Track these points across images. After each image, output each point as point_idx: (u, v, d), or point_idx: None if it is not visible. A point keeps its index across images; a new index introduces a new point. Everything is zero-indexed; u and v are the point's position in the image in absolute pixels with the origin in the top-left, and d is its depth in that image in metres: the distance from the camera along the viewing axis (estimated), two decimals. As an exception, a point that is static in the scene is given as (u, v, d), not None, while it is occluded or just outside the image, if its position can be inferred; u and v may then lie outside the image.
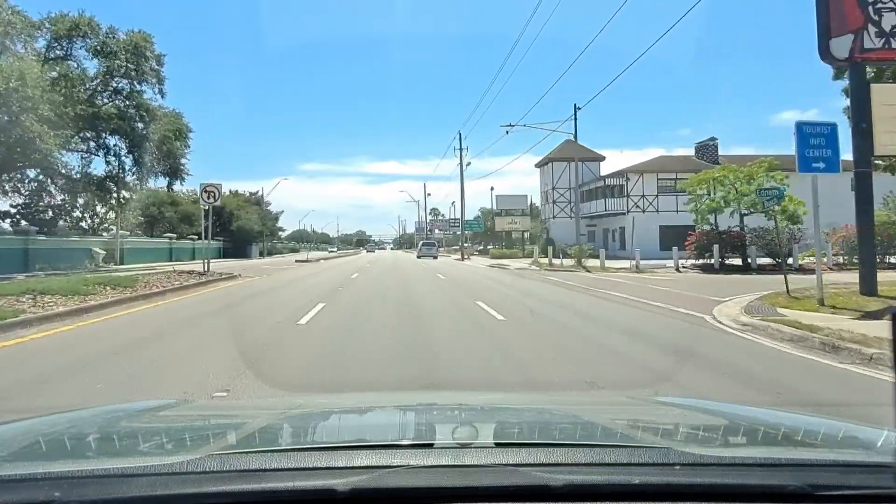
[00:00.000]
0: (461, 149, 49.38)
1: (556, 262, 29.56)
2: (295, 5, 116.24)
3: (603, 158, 47.09)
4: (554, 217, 49.11)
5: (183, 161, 32.92)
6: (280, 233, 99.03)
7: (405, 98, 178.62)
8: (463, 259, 45.38)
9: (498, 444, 1.36)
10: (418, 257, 50.49)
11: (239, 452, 1.26)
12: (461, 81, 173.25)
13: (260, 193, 79.25)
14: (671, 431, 1.73)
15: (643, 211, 38.15)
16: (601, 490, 1.11)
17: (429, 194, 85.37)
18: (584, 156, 51.29)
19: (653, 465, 1.18)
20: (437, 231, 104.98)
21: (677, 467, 1.18)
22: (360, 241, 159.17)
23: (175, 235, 54.67)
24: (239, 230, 69.75)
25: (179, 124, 31.77)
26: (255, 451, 1.27)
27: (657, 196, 38.37)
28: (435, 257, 51.39)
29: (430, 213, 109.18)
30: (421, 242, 65.78)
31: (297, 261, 39.42)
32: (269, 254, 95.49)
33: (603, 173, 45.47)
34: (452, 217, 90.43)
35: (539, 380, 5.67)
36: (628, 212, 38.99)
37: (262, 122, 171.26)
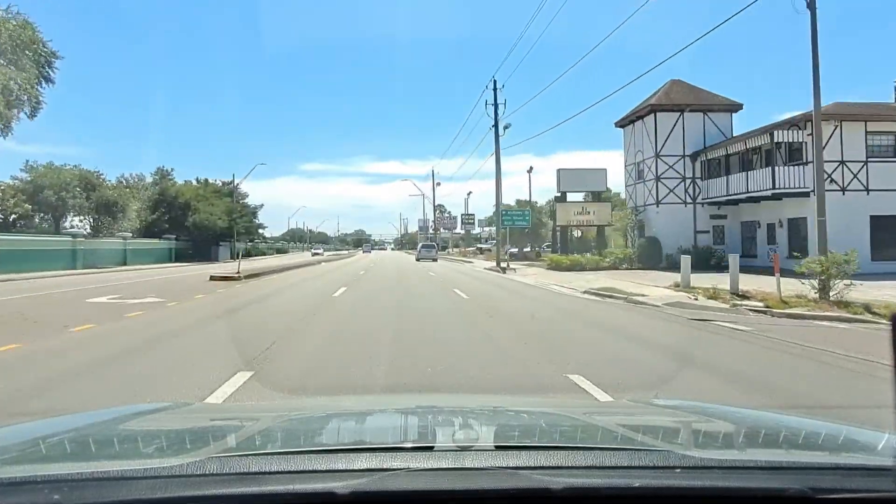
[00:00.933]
0: (496, 104, 39.10)
1: (754, 287, 15.94)
2: (296, 8, 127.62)
3: (738, 107, 34.61)
4: (658, 202, 33.79)
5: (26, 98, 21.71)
6: (261, 230, 79.71)
7: (407, 98, 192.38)
8: (502, 269, 34.69)
9: (498, 447, 1.43)
10: (417, 259, 54.91)
11: (239, 455, 1.33)
12: (462, 82, 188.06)
13: (234, 183, 59.33)
14: (672, 434, 1.80)
15: (842, 190, 17.46)
16: (601, 493, 1.16)
17: (438, 183, 71.70)
18: (705, 102, 30.96)
19: (653, 469, 1.24)
20: (442, 230, 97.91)
21: (678, 470, 1.23)
22: (360, 241, 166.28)
23: (88, 232, 34.78)
24: (197, 227, 59.16)
25: (16, 32, 10.90)
26: (255, 454, 1.35)
27: (865, 164, 17.57)
28: (434, 259, 55.17)
29: (436, 210, 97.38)
30: (420, 244, 67.99)
31: (212, 277, 25.71)
32: (248, 255, 75.12)
33: (736, 133, 32.35)
34: (466, 213, 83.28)
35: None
36: (814, 191, 18.44)
37: (263, 122, 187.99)
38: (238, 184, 71.93)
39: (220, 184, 71.85)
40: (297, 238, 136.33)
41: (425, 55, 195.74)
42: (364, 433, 1.90)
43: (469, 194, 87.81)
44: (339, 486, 1.11)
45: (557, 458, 1.25)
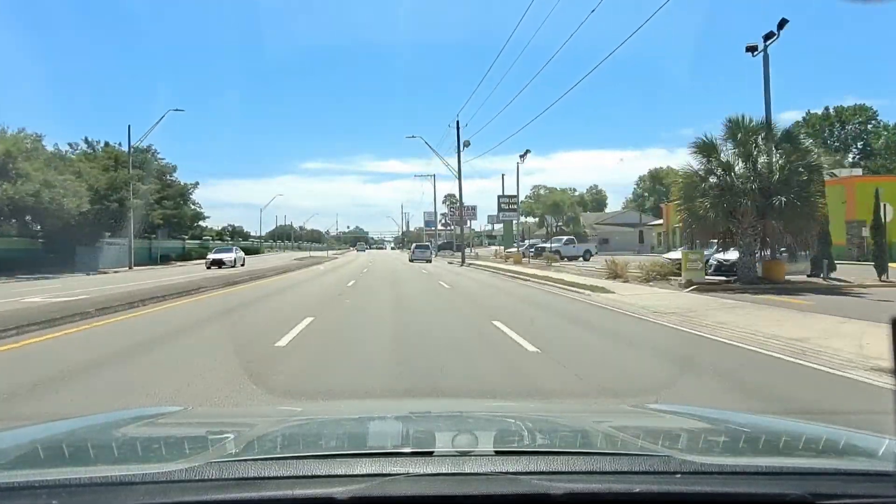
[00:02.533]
0: None
1: None
2: (296, 10, 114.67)
3: None
4: None
5: None
6: (201, 221, 48.94)
7: (407, 98, 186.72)
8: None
9: (498, 452, 1.40)
10: (410, 260, 47.93)
11: (238, 460, 1.31)
12: (462, 83, 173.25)
13: (132, 142, 28.69)
14: (672, 439, 1.75)
15: None
16: (602, 498, 1.15)
17: (467, 143, 46.68)
18: None
19: (654, 474, 1.22)
20: (454, 226, 75.90)
21: (678, 475, 1.21)
22: (356, 240, 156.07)
23: None
24: (18, 208, 32.49)
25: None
26: (254, 459, 1.32)
27: None
28: (429, 261, 47.93)
29: (445, 202, 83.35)
30: (414, 244, 58.10)
31: None
32: (185, 259, 56.48)
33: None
34: (505, 195, 51.33)
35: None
36: None
37: (265, 121, 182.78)
38: (142, 142, 43.33)
39: (133, 149, 43.23)
40: (286, 237, 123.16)
41: (425, 58, 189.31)
42: (363, 438, 1.89)
43: (525, 154, 45.09)
44: (339, 491, 1.10)
45: (557, 463, 1.23)
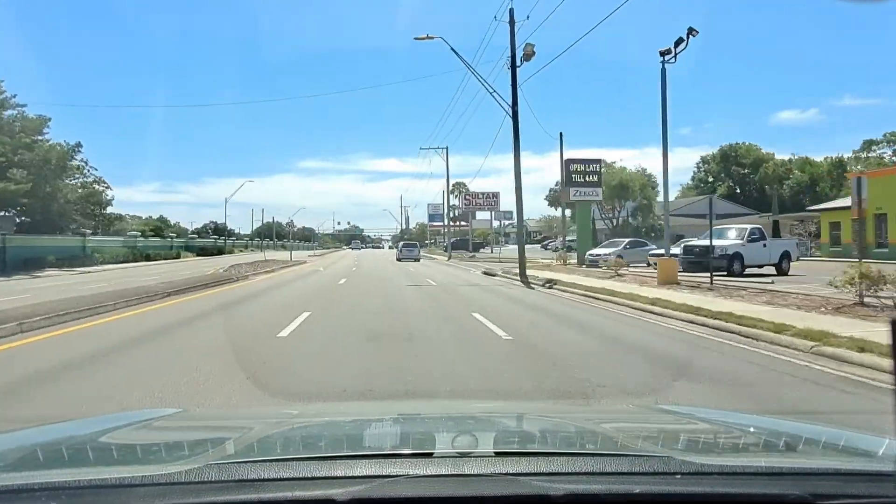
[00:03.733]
0: None
1: None
2: (294, 11, 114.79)
3: None
4: None
5: None
6: (96, 207, 21.47)
7: (407, 97, 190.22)
8: None
9: (498, 453, 1.40)
10: (398, 259, 46.38)
11: (238, 462, 1.31)
12: (462, 83, 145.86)
13: None
14: (672, 440, 1.73)
15: None
16: (601, 499, 1.15)
17: (528, 55, 21.40)
18: None
19: (654, 475, 1.22)
20: (463, 220, 68.87)
21: (678, 476, 1.21)
22: (353, 238, 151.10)
23: None
24: None
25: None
26: (254, 461, 1.33)
27: None
28: (417, 259, 46.59)
29: (454, 192, 64.24)
30: (401, 243, 56.67)
31: None
32: (82, 263, 37.87)
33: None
34: (581, 158, 34.99)
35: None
36: None
37: (263, 120, 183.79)
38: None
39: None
40: (273, 235, 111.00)
41: (425, 60, 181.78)
42: (363, 439, 1.86)
43: (688, 38, 17.73)
44: (339, 492, 1.09)
45: (557, 464, 1.22)
